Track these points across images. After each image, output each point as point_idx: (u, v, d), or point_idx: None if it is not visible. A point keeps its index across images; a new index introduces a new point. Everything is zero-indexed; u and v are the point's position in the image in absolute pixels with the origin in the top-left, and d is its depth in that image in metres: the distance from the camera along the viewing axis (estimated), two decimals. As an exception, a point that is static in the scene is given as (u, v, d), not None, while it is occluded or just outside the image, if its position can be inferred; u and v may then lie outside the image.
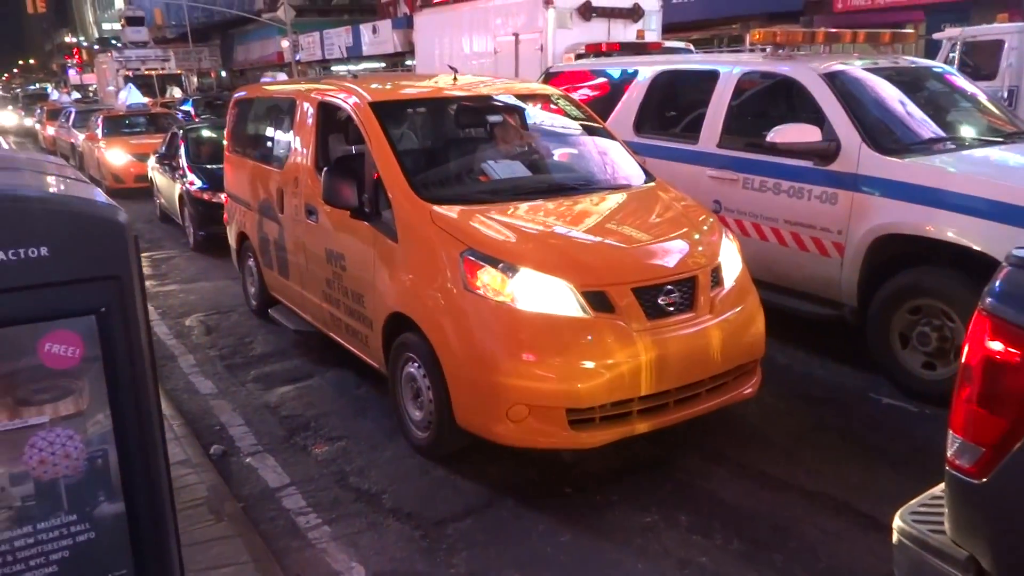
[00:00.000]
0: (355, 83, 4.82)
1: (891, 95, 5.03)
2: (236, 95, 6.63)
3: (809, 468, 3.74)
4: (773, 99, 5.53)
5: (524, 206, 3.94)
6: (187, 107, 20.82)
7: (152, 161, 11.11)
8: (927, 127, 4.85)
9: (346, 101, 4.54)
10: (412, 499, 3.57)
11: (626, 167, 4.61)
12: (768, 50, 5.57)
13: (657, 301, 3.53)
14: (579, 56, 12.08)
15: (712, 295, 3.72)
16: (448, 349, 3.55)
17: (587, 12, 13.33)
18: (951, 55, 11.15)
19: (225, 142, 6.70)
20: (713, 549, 3.16)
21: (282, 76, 19.92)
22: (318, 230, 4.73)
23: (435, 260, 3.69)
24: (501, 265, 3.46)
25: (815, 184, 4.82)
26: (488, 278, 3.46)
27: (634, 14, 13.79)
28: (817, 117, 4.86)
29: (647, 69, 6.35)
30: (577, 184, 4.32)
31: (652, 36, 14.05)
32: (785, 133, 4.76)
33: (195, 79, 39.70)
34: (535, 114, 4.80)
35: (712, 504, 3.47)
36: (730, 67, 5.61)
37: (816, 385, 4.69)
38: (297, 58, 34.98)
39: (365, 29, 32.67)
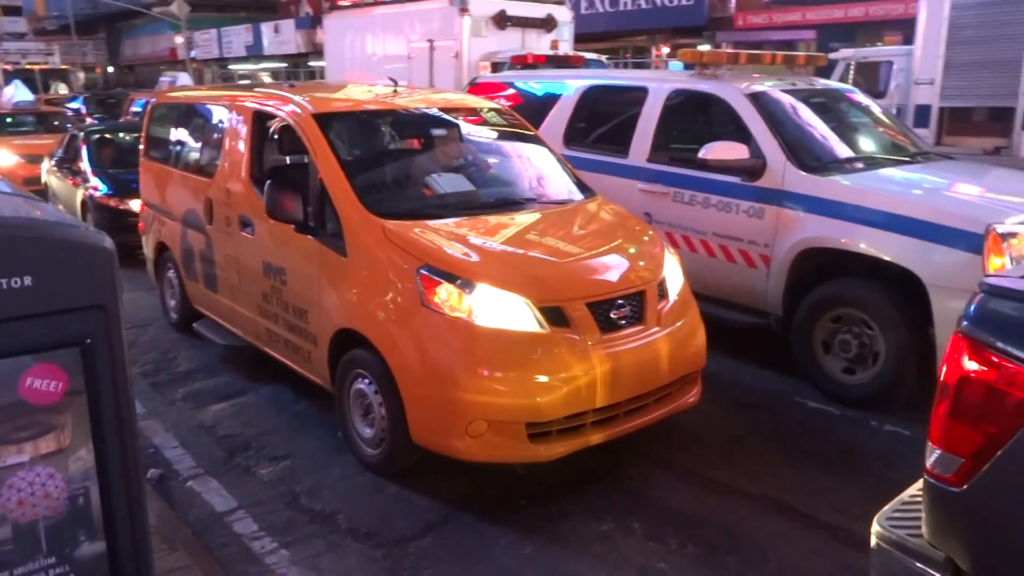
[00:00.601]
0: (293, 92, 4.72)
1: (809, 115, 5.34)
2: (156, 99, 6.36)
3: (748, 472, 3.92)
4: (700, 116, 5.76)
5: (475, 221, 3.96)
6: (76, 104, 19.72)
7: (47, 164, 10.47)
8: (843, 147, 5.18)
9: (285, 111, 4.44)
10: (368, 518, 3.53)
11: (568, 181, 4.71)
12: (695, 69, 5.80)
13: (609, 315, 3.63)
14: (495, 67, 12.25)
15: (659, 308, 3.86)
16: (404, 365, 3.54)
17: (502, 21, 13.45)
18: (846, 75, 11.89)
19: (140, 147, 6.40)
20: (670, 555, 3.27)
21: (183, 76, 19.12)
22: (255, 243, 4.60)
23: (389, 276, 3.67)
24: (459, 281, 3.48)
25: (743, 199, 5.06)
26: (446, 294, 3.47)
27: (548, 24, 14.02)
28: (743, 135, 5.11)
29: (576, 83, 6.49)
30: (524, 198, 4.38)
31: (565, 47, 14.34)
32: (716, 150, 4.98)
33: (82, 75, 37.56)
34: (479, 127, 4.83)
35: (663, 511, 3.59)
36: (659, 84, 5.81)
37: (746, 391, 4.92)
38: (192, 55, 33.65)
39: (267, 28, 31.79)
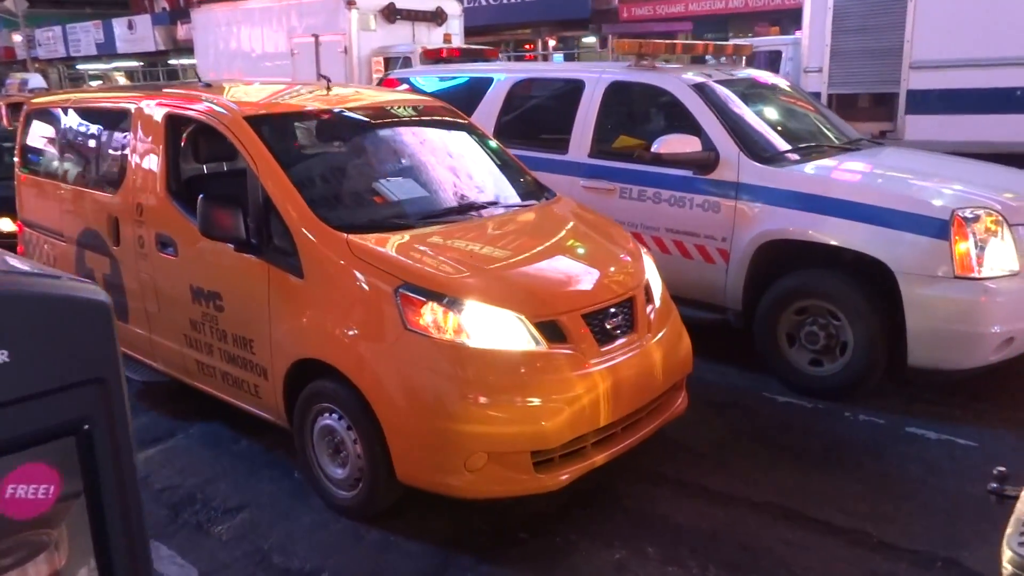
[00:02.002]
0: (212, 93, 4.18)
1: (752, 106, 5.27)
2: (32, 102, 5.55)
3: (744, 477, 3.78)
4: (643, 109, 5.60)
5: (445, 230, 3.60)
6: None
7: None
8: (791, 136, 5.15)
9: (209, 114, 3.91)
10: (357, 572, 3.12)
11: (526, 181, 4.41)
12: (632, 60, 5.63)
13: (605, 326, 3.38)
14: (388, 62, 11.75)
15: (647, 314, 3.64)
16: (385, 397, 3.14)
17: (391, 14, 12.97)
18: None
19: (15, 159, 5.58)
20: (694, 579, 3.06)
21: (36, 78, 17.34)
22: (179, 265, 4.04)
23: (360, 298, 3.26)
24: (446, 300, 3.11)
25: (697, 193, 4.93)
26: (432, 315, 3.10)
27: (438, 18, 13.65)
28: (692, 128, 4.98)
29: (504, 76, 6.18)
30: (486, 202, 4.04)
31: (456, 40, 14.00)
32: (669, 144, 4.82)
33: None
34: (426, 127, 4.44)
35: (671, 529, 3.38)
36: (596, 76, 5.60)
37: (713, 390, 4.79)
38: (34, 54, 30.86)
39: (119, 24, 29.51)
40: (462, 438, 3.03)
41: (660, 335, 3.65)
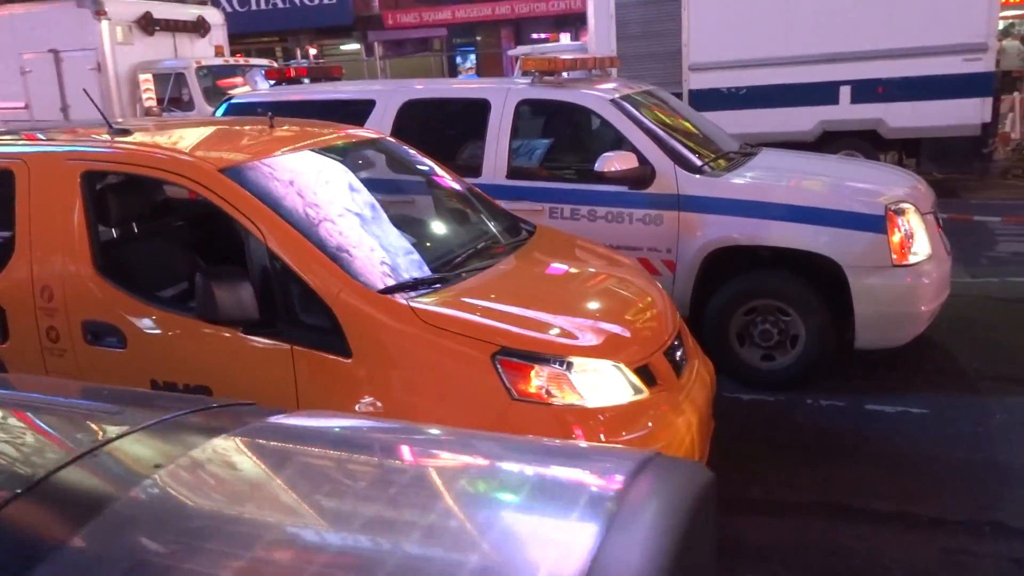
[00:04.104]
0: (141, 142, 3.38)
1: (664, 118, 5.44)
2: None
3: (775, 482, 3.91)
4: (559, 126, 5.52)
5: (483, 281, 3.25)
6: None
7: None
8: (706, 146, 5.39)
9: (162, 169, 3.16)
10: None
11: (508, 216, 4.14)
12: (535, 77, 5.51)
13: (676, 358, 3.29)
14: (159, 79, 10.35)
15: (690, 336, 3.61)
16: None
17: (149, 25, 11.52)
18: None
19: None
20: (811, 597, 3.11)
21: None
22: (130, 359, 3.22)
23: (443, 371, 2.84)
24: (553, 360, 2.83)
25: (636, 207, 4.98)
26: (542, 379, 2.80)
27: (200, 28, 12.38)
28: (618, 143, 5.02)
29: (388, 98, 5.74)
30: (493, 243, 3.72)
31: (227, 52, 12.79)
32: (612, 162, 4.81)
33: None
34: (400, 166, 3.98)
35: (753, 551, 3.40)
36: (502, 95, 5.41)
37: (679, 398, 4.89)
38: None
39: None
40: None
41: (699, 356, 3.64)
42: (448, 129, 5.72)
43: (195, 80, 11.02)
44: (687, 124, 5.84)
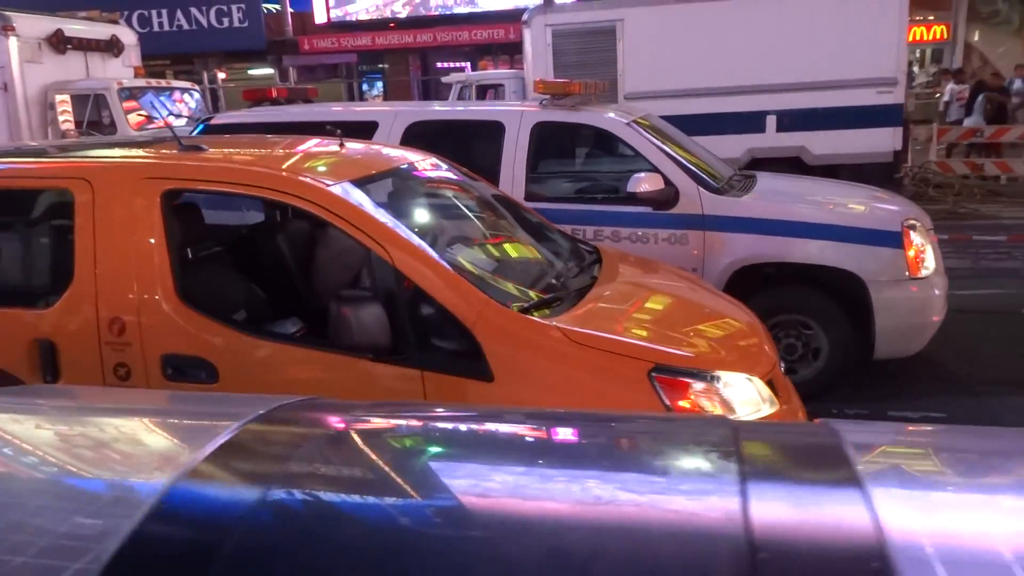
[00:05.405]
0: (234, 159, 3.14)
1: (674, 141, 5.58)
2: None
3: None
4: (577, 148, 5.54)
5: (600, 301, 3.21)
6: None
7: None
8: (719, 168, 5.56)
9: (268, 188, 2.94)
10: None
11: (571, 236, 4.11)
12: (547, 100, 5.53)
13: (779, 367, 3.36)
14: (77, 100, 9.61)
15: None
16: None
17: (60, 43, 10.72)
18: (464, 96, 12.52)
19: None
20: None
21: None
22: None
23: (595, 391, 2.77)
24: (704, 375, 2.82)
25: (661, 228, 5.06)
26: (696, 395, 2.78)
27: (114, 47, 11.65)
28: (639, 165, 5.10)
29: (391, 120, 5.59)
30: (583, 264, 3.68)
31: (130, 72, 12.05)
32: (641, 182, 4.88)
33: None
34: (471, 187, 3.86)
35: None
36: (516, 117, 5.39)
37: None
38: None
39: None
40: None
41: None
42: (459, 151, 5.62)
43: (117, 101, 10.31)
44: (688, 150, 6.02)
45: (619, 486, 1.12)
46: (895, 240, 4.78)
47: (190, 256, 3.25)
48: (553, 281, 3.36)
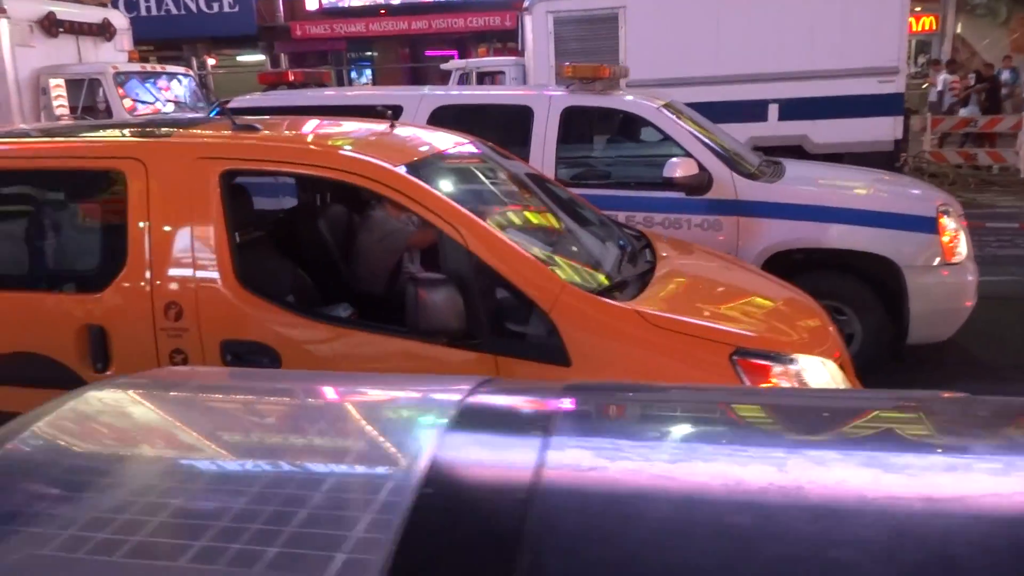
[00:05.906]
0: (294, 139, 3.04)
1: (704, 126, 5.53)
2: None
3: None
4: (607, 133, 5.48)
5: (667, 282, 3.17)
6: None
7: None
8: (749, 153, 5.52)
9: (334, 168, 2.85)
10: None
11: (616, 221, 4.06)
12: (574, 84, 5.45)
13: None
14: (72, 83, 9.44)
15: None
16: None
17: (52, 27, 10.45)
18: (467, 83, 12.39)
19: None
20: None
21: None
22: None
23: (674, 375, 2.72)
24: (785, 358, 2.78)
25: (695, 213, 5.02)
26: (779, 377, 2.74)
27: (106, 31, 11.38)
28: (672, 150, 5.06)
29: (417, 103, 5.50)
30: (637, 247, 3.63)
31: (122, 57, 11.80)
32: (676, 167, 4.83)
33: None
34: (520, 170, 3.79)
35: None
36: (545, 102, 5.32)
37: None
38: None
39: None
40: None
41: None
42: (486, 136, 5.54)
43: (113, 86, 10.08)
44: (716, 136, 5.98)
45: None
46: (930, 225, 4.78)
47: (238, 240, 3.15)
48: (617, 265, 3.30)
